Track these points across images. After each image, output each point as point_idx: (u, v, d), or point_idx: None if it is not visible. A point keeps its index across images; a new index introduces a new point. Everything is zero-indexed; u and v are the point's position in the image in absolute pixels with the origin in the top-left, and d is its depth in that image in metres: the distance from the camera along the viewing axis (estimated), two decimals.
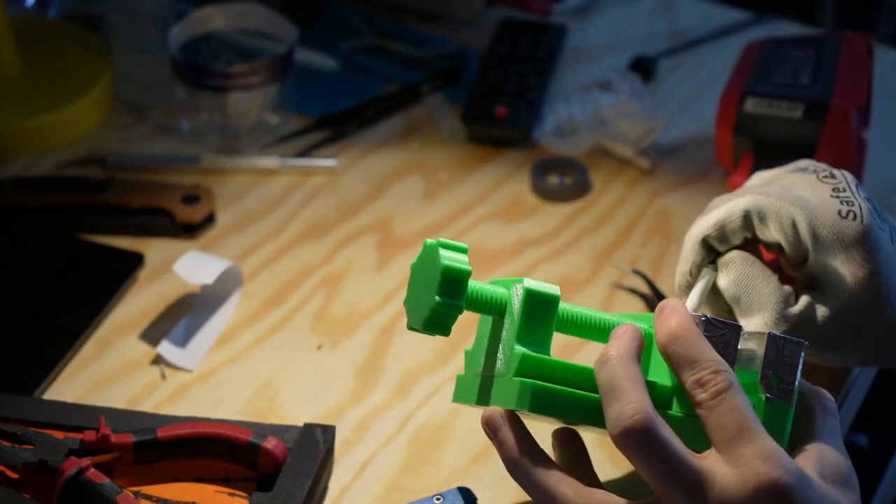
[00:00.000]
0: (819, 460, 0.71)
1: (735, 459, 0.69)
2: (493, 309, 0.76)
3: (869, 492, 1.22)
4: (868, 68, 1.09)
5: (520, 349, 0.74)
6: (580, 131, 1.16)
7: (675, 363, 0.72)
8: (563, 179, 1.12)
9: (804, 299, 0.82)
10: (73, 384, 0.92)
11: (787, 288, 0.82)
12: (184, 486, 0.83)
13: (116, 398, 0.91)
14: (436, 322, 0.74)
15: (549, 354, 0.75)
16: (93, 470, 0.80)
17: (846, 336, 0.82)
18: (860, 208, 0.80)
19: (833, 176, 0.83)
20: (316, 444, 0.84)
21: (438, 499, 0.82)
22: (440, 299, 0.74)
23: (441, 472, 0.87)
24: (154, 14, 1.16)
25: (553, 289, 0.76)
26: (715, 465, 0.69)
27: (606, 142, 1.15)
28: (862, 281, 0.80)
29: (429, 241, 0.76)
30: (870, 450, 1.24)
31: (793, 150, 1.03)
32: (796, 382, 0.74)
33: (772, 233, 0.82)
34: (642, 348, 0.74)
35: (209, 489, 0.83)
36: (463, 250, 0.76)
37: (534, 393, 0.73)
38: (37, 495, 0.81)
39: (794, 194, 0.82)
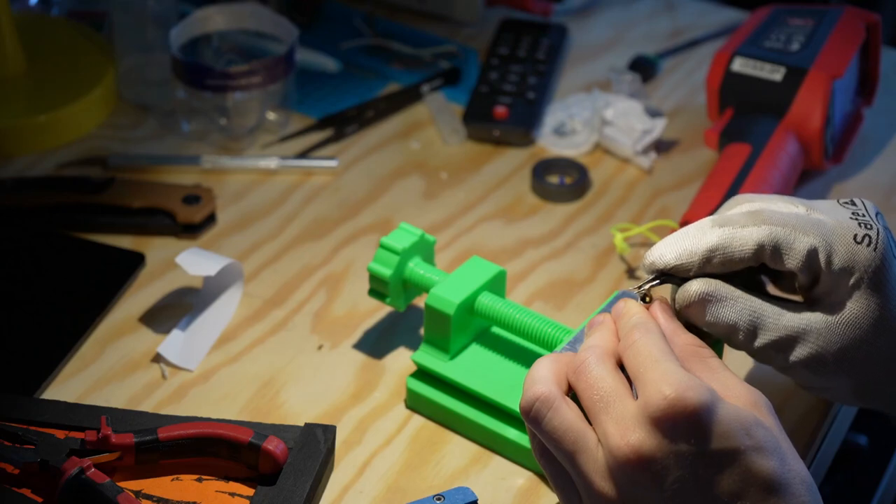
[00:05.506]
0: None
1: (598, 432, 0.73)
2: (420, 287, 0.92)
3: (869, 492, 1.22)
4: (856, 41, 1.11)
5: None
6: (580, 131, 1.16)
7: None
8: (563, 179, 1.12)
9: (806, 313, 0.79)
10: (74, 384, 0.92)
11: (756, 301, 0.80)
12: (185, 486, 0.83)
13: (117, 398, 0.91)
14: (372, 288, 0.93)
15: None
16: (94, 470, 0.80)
17: (842, 359, 0.79)
18: (877, 234, 0.78)
19: (853, 203, 0.81)
20: (317, 444, 0.84)
21: (438, 499, 0.82)
22: (371, 264, 0.92)
23: (441, 472, 0.87)
24: (157, 14, 1.16)
25: (448, 307, 0.88)
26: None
27: (606, 142, 1.15)
28: (865, 307, 0.78)
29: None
30: (870, 450, 1.24)
31: (767, 111, 1.08)
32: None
33: (786, 265, 0.78)
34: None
35: (210, 489, 0.83)
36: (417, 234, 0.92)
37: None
38: (38, 495, 0.81)
39: (812, 218, 0.79)
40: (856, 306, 0.78)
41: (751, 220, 0.79)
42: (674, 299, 0.79)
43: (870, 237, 0.78)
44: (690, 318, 0.79)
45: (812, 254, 0.78)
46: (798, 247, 0.78)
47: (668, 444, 0.69)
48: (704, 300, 0.78)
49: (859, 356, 0.79)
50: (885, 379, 0.81)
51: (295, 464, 0.83)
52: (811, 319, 0.79)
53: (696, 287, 0.78)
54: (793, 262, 0.78)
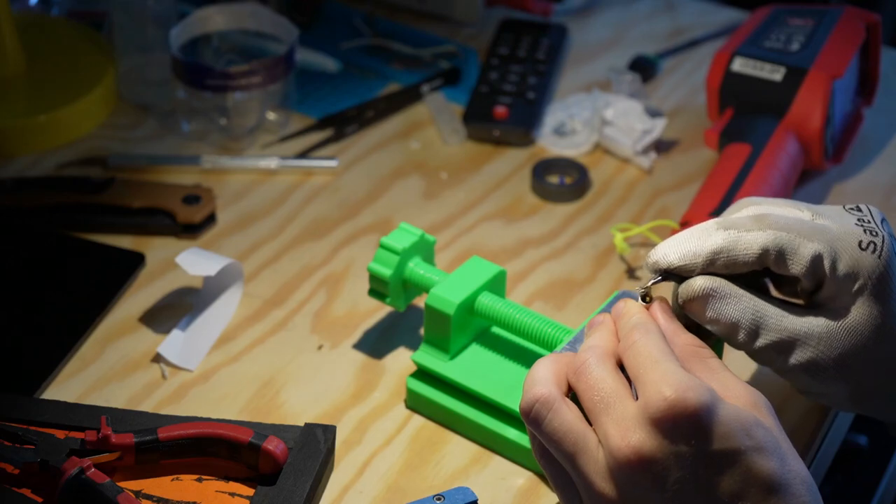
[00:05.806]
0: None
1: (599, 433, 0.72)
2: (420, 287, 0.92)
3: (869, 492, 1.23)
4: (856, 41, 1.11)
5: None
6: (580, 131, 1.16)
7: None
8: (563, 179, 1.12)
9: (809, 318, 0.79)
10: (74, 384, 0.92)
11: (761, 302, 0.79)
12: (185, 486, 0.83)
13: (117, 398, 0.91)
14: (372, 288, 0.93)
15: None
16: (94, 470, 0.80)
17: (842, 365, 0.79)
18: (882, 241, 0.78)
19: (859, 209, 0.81)
20: (317, 444, 0.84)
21: (438, 499, 0.82)
22: (371, 264, 0.92)
23: (441, 472, 0.87)
24: (157, 14, 1.16)
25: (448, 307, 0.88)
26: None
27: (606, 142, 1.15)
28: (868, 313, 0.78)
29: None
30: (870, 450, 1.24)
31: (767, 111, 1.08)
32: None
33: (790, 270, 0.78)
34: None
35: (210, 489, 0.83)
36: (418, 234, 0.93)
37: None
38: (38, 495, 0.81)
39: (817, 224, 0.79)
40: (858, 313, 0.78)
41: (756, 224, 0.78)
42: (675, 296, 0.79)
43: (875, 244, 0.78)
44: (692, 314, 0.79)
45: (817, 260, 0.77)
46: (803, 252, 0.77)
47: (668, 444, 0.69)
48: (707, 296, 0.78)
49: (859, 362, 0.79)
50: (884, 386, 0.81)
51: (295, 464, 0.83)
52: (813, 324, 0.79)
53: (700, 283, 0.78)
54: (797, 267, 0.78)
